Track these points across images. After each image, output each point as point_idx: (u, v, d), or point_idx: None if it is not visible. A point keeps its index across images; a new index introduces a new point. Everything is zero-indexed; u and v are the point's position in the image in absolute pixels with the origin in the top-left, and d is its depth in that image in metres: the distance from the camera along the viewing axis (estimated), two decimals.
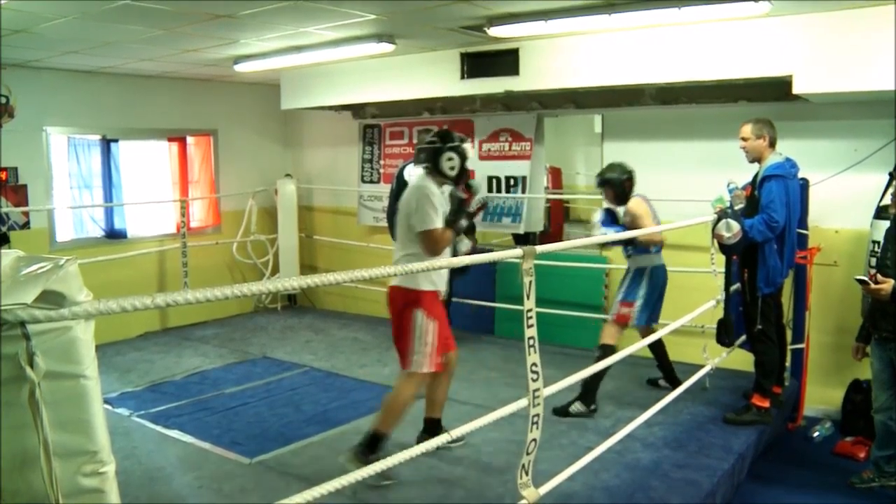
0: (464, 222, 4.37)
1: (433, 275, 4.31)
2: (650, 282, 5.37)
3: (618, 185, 5.39)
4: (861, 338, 4.85)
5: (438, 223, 4.19)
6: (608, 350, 5.23)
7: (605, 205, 5.58)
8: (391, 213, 6.97)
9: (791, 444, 5.58)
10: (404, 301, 4.29)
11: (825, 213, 5.89)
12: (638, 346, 4.80)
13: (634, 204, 5.37)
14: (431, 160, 4.38)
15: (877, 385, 4.74)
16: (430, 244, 4.19)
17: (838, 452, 5.35)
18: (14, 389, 1.67)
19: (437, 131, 4.56)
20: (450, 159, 4.35)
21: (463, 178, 4.45)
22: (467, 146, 4.50)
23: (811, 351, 5.84)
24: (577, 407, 5.33)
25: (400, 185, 6.89)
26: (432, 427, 4.64)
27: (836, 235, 5.90)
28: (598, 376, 5.15)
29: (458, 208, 4.30)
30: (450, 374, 4.68)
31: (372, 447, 4.26)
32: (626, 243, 5.39)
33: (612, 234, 5.28)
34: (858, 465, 5.06)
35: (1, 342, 1.62)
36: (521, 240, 7.79)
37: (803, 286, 5.72)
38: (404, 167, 6.97)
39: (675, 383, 5.55)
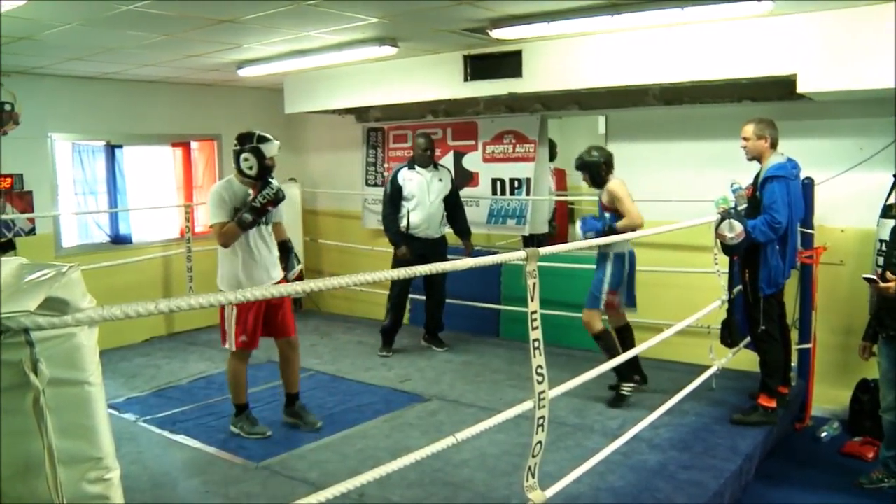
0: (247, 216, 4.77)
1: (243, 275, 4.94)
2: (630, 266, 5.45)
3: (594, 167, 5.51)
4: (868, 336, 4.82)
5: (221, 218, 4.81)
6: (606, 335, 5.51)
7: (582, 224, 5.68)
8: (385, 216, 7.00)
9: (798, 445, 5.56)
10: None
11: (831, 212, 5.87)
12: (645, 346, 4.80)
13: (615, 185, 5.46)
14: (234, 161, 4.97)
15: (884, 384, 4.72)
16: (217, 237, 4.86)
17: (846, 452, 5.32)
18: (18, 396, 1.67)
19: (239, 133, 5.03)
20: (246, 159, 4.89)
21: (264, 175, 4.91)
22: (267, 146, 4.91)
23: (818, 351, 5.82)
24: (627, 388, 5.53)
25: (394, 188, 6.91)
26: (290, 400, 5.40)
27: (842, 234, 5.88)
28: (617, 354, 5.26)
29: (242, 205, 4.81)
30: (287, 358, 5.34)
31: (238, 412, 5.22)
32: (609, 233, 5.39)
33: (593, 239, 5.35)
34: (867, 466, 5.04)
35: (4, 349, 1.62)
36: (530, 241, 7.78)
37: (809, 286, 5.70)
38: (398, 171, 7.00)
39: (642, 377, 5.77)
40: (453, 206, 7.06)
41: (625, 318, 5.76)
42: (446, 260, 6.80)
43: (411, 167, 6.96)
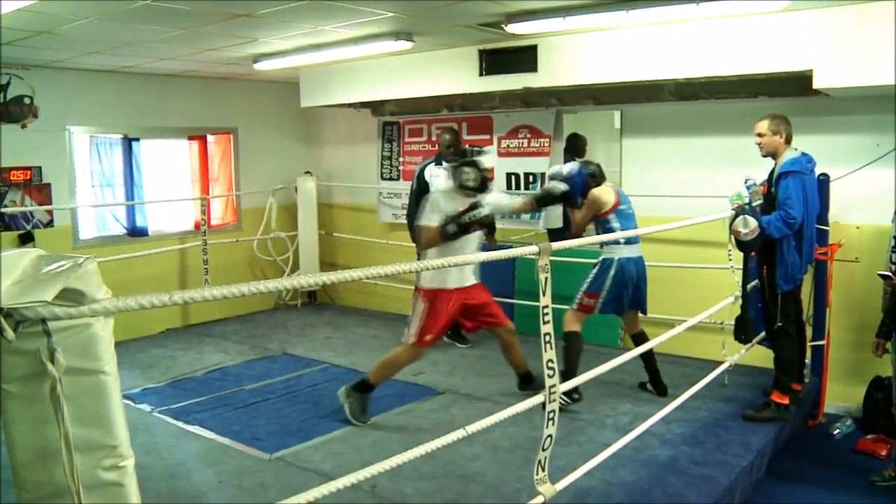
0: (452, 228, 4.88)
1: (442, 274, 5.08)
2: (615, 275, 5.35)
3: (579, 183, 5.47)
4: (881, 333, 4.80)
5: (430, 222, 4.99)
6: (574, 337, 5.43)
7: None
8: (411, 214, 6.97)
9: (811, 442, 5.54)
10: (415, 291, 5.21)
11: (846, 208, 5.84)
12: (657, 341, 4.81)
13: (595, 190, 5.46)
14: (453, 177, 5.15)
15: None
16: (420, 236, 5.13)
17: (859, 450, 5.30)
18: (36, 384, 1.71)
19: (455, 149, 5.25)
20: (466, 174, 5.08)
21: (486, 186, 5.12)
22: (484, 158, 5.10)
23: (832, 348, 5.80)
24: (563, 399, 5.37)
25: (420, 185, 6.87)
26: (525, 378, 5.56)
27: (858, 231, 5.85)
28: (573, 365, 5.30)
29: (452, 216, 4.93)
30: (508, 344, 5.50)
31: (361, 389, 5.25)
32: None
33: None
34: (879, 463, 5.02)
35: (22, 339, 1.66)
36: (556, 234, 7.73)
37: (824, 282, 5.68)
38: (424, 167, 6.95)
39: (660, 388, 5.64)
40: None
41: (638, 327, 5.70)
42: None
43: (438, 163, 6.91)
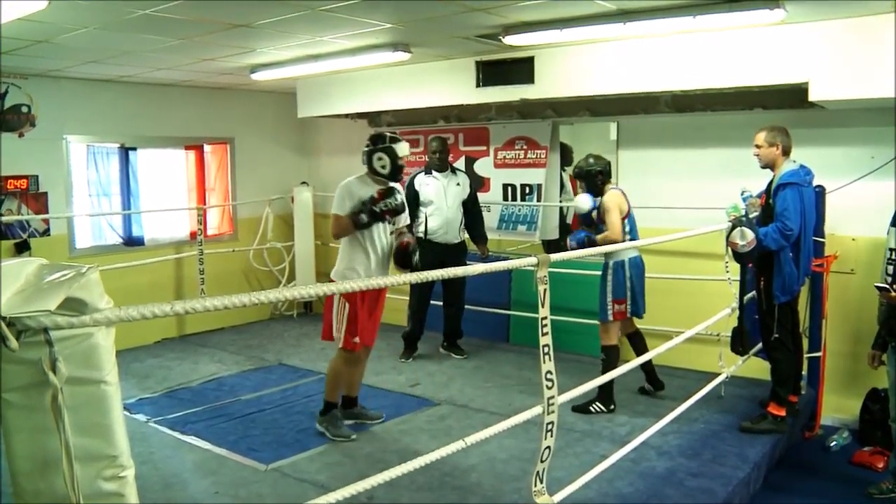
0: (364, 217, 4.84)
1: (358, 270, 4.97)
2: (632, 273, 5.46)
3: (590, 177, 5.60)
4: (877, 345, 4.81)
5: (341, 211, 4.91)
6: (613, 351, 5.47)
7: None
8: None
9: (807, 454, 5.54)
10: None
11: (842, 220, 5.85)
12: (655, 352, 4.81)
13: (608, 196, 5.54)
14: (366, 161, 5.05)
15: (894, 393, 4.71)
16: (332, 226, 4.99)
17: (856, 462, 5.30)
18: (37, 394, 1.70)
19: (371, 134, 5.20)
20: (380, 159, 5.00)
21: (397, 175, 5.06)
22: (399, 146, 5.02)
23: (828, 359, 5.81)
24: (595, 408, 5.49)
25: (410, 194, 6.89)
26: (347, 403, 5.41)
27: (853, 243, 5.87)
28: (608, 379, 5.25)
29: (363, 204, 4.87)
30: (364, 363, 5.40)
31: (326, 411, 5.18)
32: (590, 243, 5.50)
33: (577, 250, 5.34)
34: (876, 476, 5.02)
35: (24, 348, 1.65)
36: (553, 246, 7.75)
37: (820, 294, 5.69)
38: (414, 176, 6.98)
39: (657, 385, 5.84)
40: (471, 212, 7.05)
41: (634, 325, 5.77)
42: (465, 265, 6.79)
43: (428, 172, 6.95)
